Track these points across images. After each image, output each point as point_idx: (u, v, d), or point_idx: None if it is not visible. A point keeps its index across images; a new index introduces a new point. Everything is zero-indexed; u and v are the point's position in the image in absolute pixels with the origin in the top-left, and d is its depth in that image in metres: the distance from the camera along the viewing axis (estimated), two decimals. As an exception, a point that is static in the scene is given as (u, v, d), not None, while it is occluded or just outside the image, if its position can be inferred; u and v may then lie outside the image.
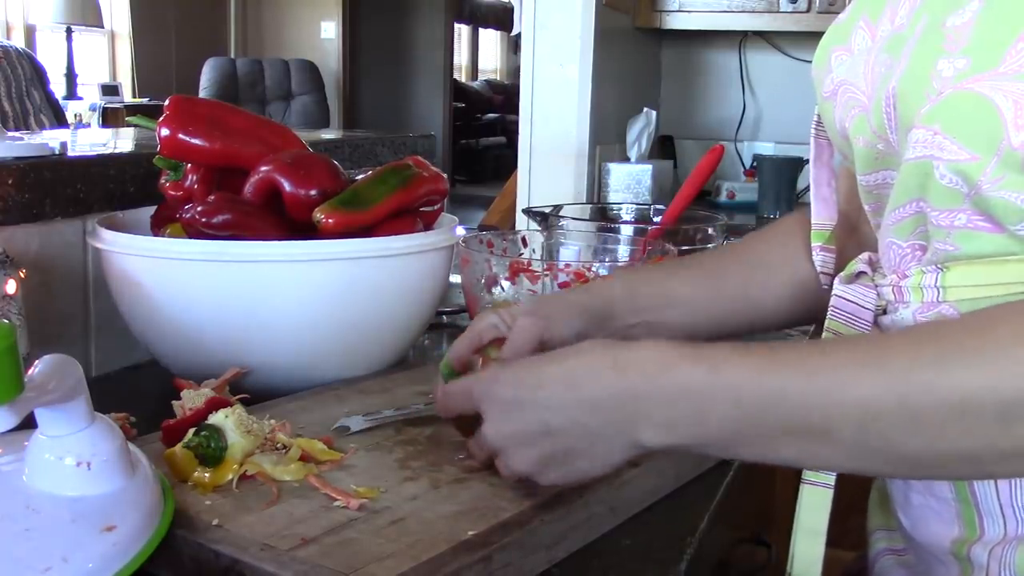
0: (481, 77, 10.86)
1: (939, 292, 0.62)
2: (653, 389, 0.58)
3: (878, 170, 0.70)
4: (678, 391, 0.58)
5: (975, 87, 0.57)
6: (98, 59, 6.19)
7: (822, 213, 0.81)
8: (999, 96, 0.56)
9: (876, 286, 0.67)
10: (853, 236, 0.83)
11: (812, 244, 0.81)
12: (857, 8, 0.73)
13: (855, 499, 0.82)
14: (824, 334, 0.70)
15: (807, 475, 0.75)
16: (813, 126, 0.81)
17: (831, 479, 0.74)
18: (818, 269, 0.81)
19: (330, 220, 0.89)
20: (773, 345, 0.59)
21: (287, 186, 0.91)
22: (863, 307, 0.68)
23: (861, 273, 0.70)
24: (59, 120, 3.91)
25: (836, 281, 0.71)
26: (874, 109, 0.67)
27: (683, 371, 0.58)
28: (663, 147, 2.71)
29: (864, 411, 0.53)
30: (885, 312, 0.67)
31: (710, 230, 1.16)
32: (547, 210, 1.28)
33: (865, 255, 0.71)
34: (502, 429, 0.64)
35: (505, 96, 9.44)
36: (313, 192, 0.91)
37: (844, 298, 0.69)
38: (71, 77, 5.50)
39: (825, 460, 0.59)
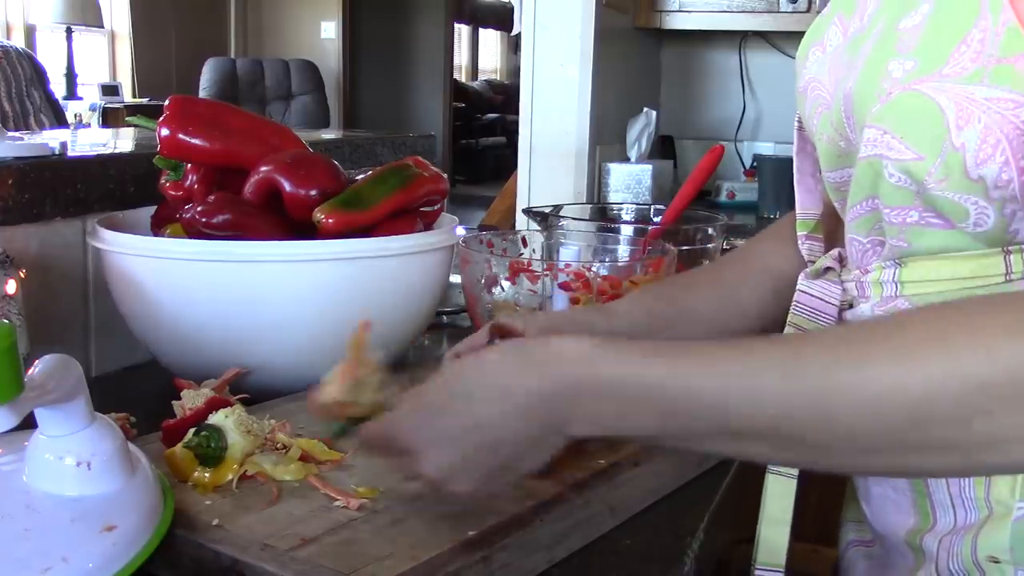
0: (481, 77, 10.85)
1: (897, 287, 0.63)
2: (580, 386, 0.57)
3: (842, 167, 0.71)
4: (603, 388, 0.57)
5: (921, 88, 0.58)
6: (98, 59, 6.19)
7: (806, 203, 0.82)
8: (943, 97, 0.57)
9: (842, 282, 0.68)
10: (841, 228, 0.83)
11: (798, 233, 0.82)
12: (834, 6, 0.75)
13: (840, 496, 0.82)
14: (786, 329, 0.72)
15: (771, 466, 0.75)
16: (796, 118, 0.82)
17: (795, 470, 0.74)
18: (805, 258, 0.82)
19: (330, 220, 0.89)
20: (704, 344, 0.58)
21: (287, 186, 0.91)
22: (827, 302, 0.69)
23: (828, 269, 0.71)
24: (59, 120, 3.91)
25: (801, 276, 0.72)
26: (835, 107, 0.68)
27: (607, 368, 0.57)
28: (663, 147, 2.71)
29: (778, 412, 0.53)
30: (851, 307, 0.67)
31: (710, 230, 1.16)
32: (547, 210, 1.28)
33: (835, 251, 0.73)
34: (428, 428, 0.60)
35: (505, 96, 9.44)
36: (313, 192, 0.91)
37: (808, 293, 0.70)
38: (71, 77, 5.50)
39: (752, 455, 0.58)
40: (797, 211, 0.82)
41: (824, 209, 0.82)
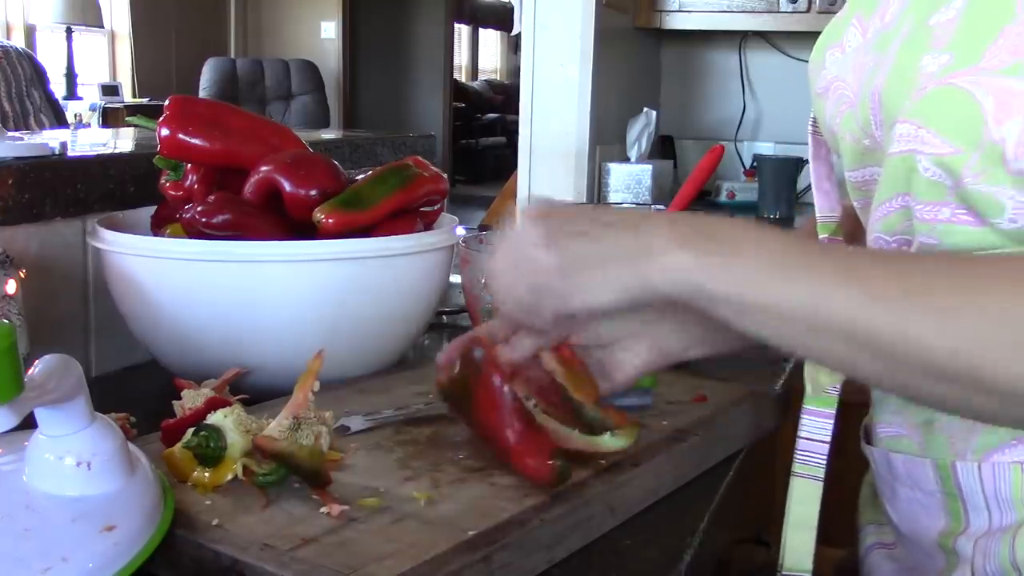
0: (481, 77, 10.86)
1: None
2: (690, 218, 0.59)
3: (865, 166, 0.71)
4: (717, 223, 0.58)
5: (957, 82, 0.58)
6: (98, 59, 6.19)
7: (824, 206, 0.82)
8: (980, 91, 0.57)
9: None
10: (861, 229, 0.83)
11: (819, 236, 0.82)
12: (851, 7, 0.74)
13: (845, 496, 0.82)
14: None
15: (796, 469, 0.75)
16: (810, 124, 0.82)
17: (820, 472, 0.74)
18: None
19: (330, 220, 0.89)
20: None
21: (287, 186, 0.91)
22: None
23: None
24: (59, 120, 3.91)
25: None
26: (860, 105, 0.68)
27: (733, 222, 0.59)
28: (663, 147, 2.71)
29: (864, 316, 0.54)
30: None
31: (710, 230, 1.16)
32: (547, 210, 1.28)
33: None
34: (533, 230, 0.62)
35: (505, 96, 9.45)
36: (313, 192, 0.91)
37: None
38: (71, 77, 5.50)
39: (826, 354, 0.59)
40: (817, 215, 0.82)
41: (843, 211, 0.82)
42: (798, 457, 0.78)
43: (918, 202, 0.62)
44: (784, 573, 0.76)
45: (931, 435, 0.70)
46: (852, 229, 0.82)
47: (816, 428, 0.77)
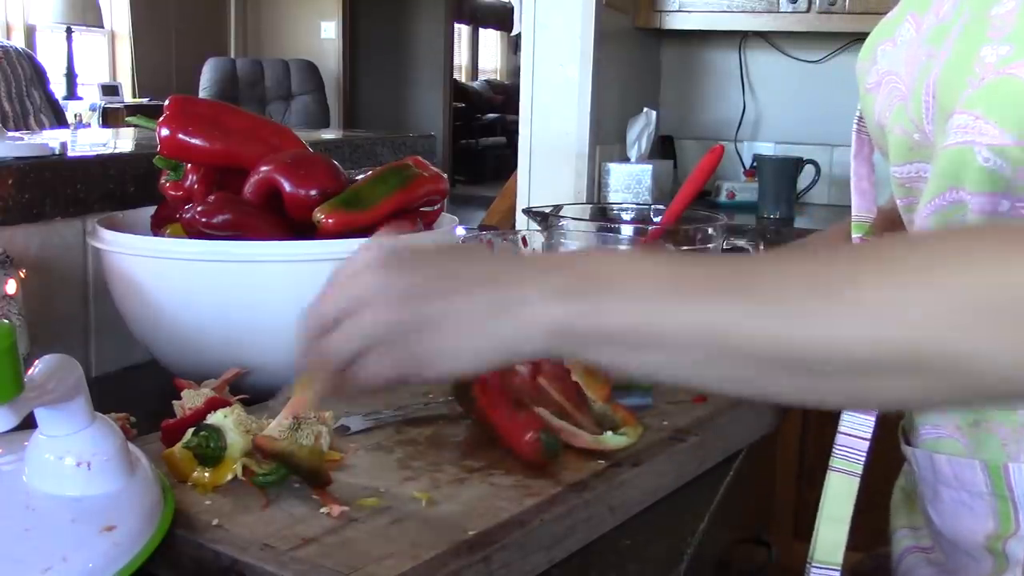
0: (481, 77, 10.85)
1: None
2: (558, 259, 0.53)
3: (912, 161, 0.70)
4: (585, 261, 0.52)
5: (1017, 72, 0.58)
6: (98, 59, 6.19)
7: (861, 206, 0.82)
8: None
9: None
10: (894, 230, 0.83)
11: (852, 236, 0.81)
12: (905, 5, 0.74)
13: (864, 500, 0.82)
14: None
15: (835, 463, 0.75)
16: (855, 121, 0.82)
17: (858, 468, 0.74)
18: None
19: (330, 220, 0.89)
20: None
21: (287, 186, 0.91)
22: None
23: None
24: (59, 120, 3.91)
25: None
26: (913, 98, 0.67)
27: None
28: (663, 147, 2.71)
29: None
30: None
31: (710, 230, 1.16)
32: (547, 210, 1.28)
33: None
34: (370, 278, 0.54)
35: (505, 96, 9.44)
36: (313, 192, 0.91)
37: None
38: (71, 77, 5.49)
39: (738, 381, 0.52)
40: (853, 214, 0.82)
41: (878, 213, 0.82)
42: (837, 452, 0.78)
43: (974, 195, 0.62)
44: (815, 565, 0.76)
45: (980, 436, 0.69)
46: (885, 232, 0.82)
47: (858, 424, 0.77)
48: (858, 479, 0.74)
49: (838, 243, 0.89)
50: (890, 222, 0.83)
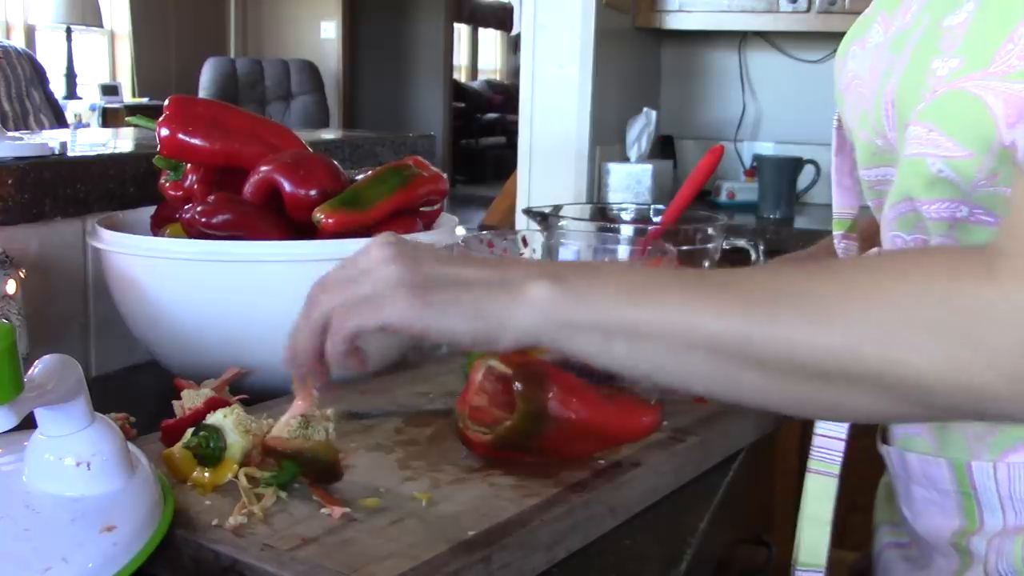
0: (481, 77, 10.85)
1: None
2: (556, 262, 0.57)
3: (878, 166, 0.71)
4: (575, 265, 0.57)
5: (967, 86, 0.58)
6: (98, 59, 6.19)
7: (843, 202, 0.82)
8: (990, 95, 0.57)
9: None
10: (877, 227, 0.83)
11: (834, 233, 0.81)
12: (877, 3, 0.74)
13: (858, 499, 0.82)
14: None
15: (812, 465, 0.75)
16: (835, 117, 0.82)
17: (835, 469, 0.74)
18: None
19: (330, 220, 0.89)
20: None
21: (287, 186, 0.91)
22: None
23: None
24: (59, 120, 3.91)
25: None
26: (875, 106, 0.68)
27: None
28: (663, 147, 2.71)
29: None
30: None
31: (710, 230, 1.16)
32: (547, 210, 1.28)
33: (874, 250, 0.72)
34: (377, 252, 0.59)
35: (505, 96, 9.44)
36: (313, 192, 0.91)
37: None
38: (71, 77, 5.50)
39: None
40: (834, 210, 0.82)
41: (860, 209, 0.82)
42: (814, 453, 0.78)
43: (929, 200, 0.62)
44: (799, 569, 0.76)
45: (946, 435, 0.70)
46: (867, 226, 0.82)
47: (832, 425, 0.77)
48: (836, 479, 0.75)
49: (821, 258, 0.89)
50: (873, 218, 0.83)
